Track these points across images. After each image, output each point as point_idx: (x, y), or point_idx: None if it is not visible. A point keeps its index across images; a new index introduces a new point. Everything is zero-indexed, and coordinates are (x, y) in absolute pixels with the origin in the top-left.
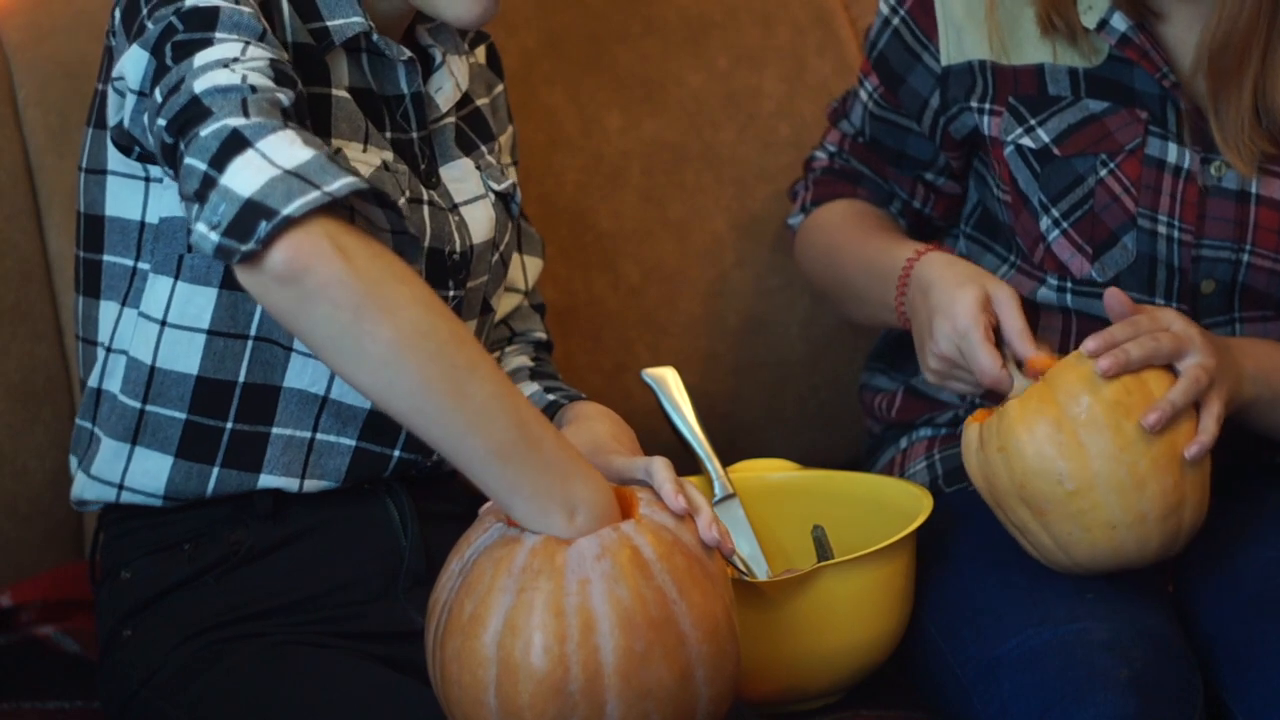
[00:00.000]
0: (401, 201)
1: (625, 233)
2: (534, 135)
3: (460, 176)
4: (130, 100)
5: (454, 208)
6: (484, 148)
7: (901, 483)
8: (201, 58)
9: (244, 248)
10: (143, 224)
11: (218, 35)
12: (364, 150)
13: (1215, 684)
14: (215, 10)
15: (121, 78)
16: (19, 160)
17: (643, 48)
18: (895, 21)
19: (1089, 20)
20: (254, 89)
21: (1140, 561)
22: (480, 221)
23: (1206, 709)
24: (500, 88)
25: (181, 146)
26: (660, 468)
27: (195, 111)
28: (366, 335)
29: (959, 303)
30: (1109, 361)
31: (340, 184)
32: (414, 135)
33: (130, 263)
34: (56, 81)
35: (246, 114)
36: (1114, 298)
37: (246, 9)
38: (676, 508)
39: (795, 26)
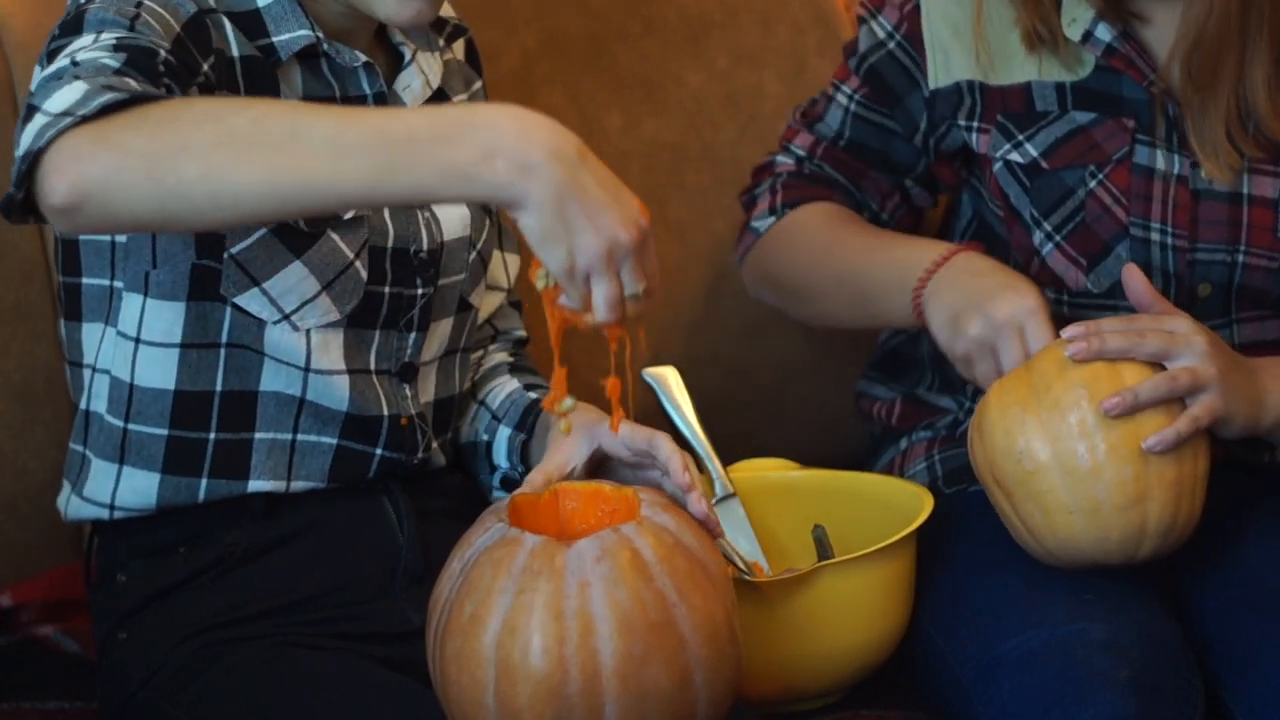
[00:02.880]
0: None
1: None
2: None
3: None
4: None
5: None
6: None
7: (902, 483)
8: (56, 59)
9: (9, 195)
10: (113, 243)
11: (81, 36)
12: None
13: (1215, 684)
14: (83, 13)
15: None
16: None
17: (643, 48)
18: (891, 45)
19: (1073, 32)
20: (75, 63)
21: (1103, 554)
22: (453, 219)
23: (1206, 709)
24: (479, 84)
25: None
26: (664, 443)
27: (27, 109)
28: (183, 189)
29: (1025, 288)
30: (1079, 346)
31: (95, 104)
32: None
33: (107, 282)
34: None
35: (53, 85)
36: (1131, 275)
37: (112, 8)
38: (683, 483)
39: (795, 26)
